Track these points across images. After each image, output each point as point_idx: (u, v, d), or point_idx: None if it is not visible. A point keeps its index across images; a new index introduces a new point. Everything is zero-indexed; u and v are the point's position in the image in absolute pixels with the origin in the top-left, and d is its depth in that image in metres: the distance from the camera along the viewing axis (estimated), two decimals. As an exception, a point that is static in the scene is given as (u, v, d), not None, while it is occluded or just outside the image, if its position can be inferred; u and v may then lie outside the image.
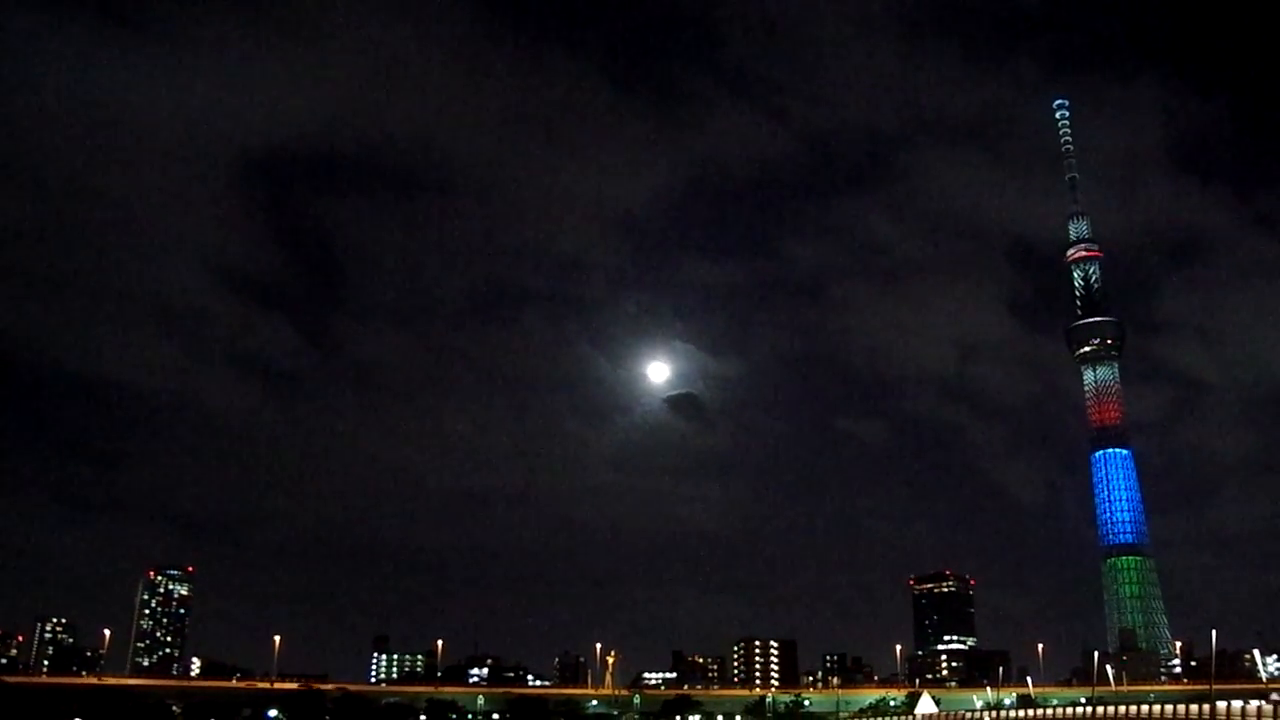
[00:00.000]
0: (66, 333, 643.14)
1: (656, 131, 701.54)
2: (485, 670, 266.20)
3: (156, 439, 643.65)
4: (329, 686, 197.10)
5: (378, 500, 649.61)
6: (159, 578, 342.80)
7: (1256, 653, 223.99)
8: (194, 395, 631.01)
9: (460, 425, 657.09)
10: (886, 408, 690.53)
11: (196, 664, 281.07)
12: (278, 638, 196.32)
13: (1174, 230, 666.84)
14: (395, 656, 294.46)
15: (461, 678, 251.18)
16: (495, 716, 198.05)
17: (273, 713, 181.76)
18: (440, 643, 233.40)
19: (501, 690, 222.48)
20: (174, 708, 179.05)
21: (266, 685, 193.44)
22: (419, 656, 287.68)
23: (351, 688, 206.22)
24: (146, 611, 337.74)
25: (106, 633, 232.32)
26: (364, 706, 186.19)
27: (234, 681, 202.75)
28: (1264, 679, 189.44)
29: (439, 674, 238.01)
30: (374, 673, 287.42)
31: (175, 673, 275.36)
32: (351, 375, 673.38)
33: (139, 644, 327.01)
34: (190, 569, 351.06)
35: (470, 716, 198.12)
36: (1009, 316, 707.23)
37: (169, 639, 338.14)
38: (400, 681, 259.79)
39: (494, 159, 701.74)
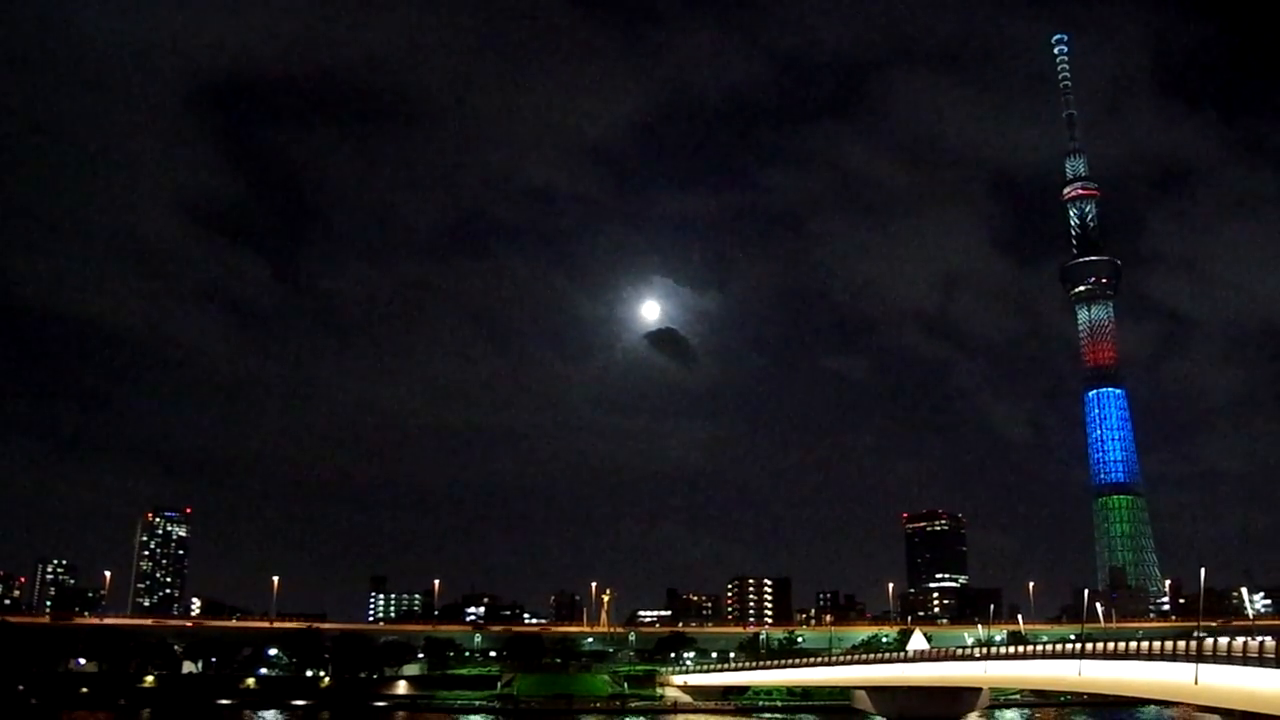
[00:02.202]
0: (30, 268, 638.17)
1: (625, 56, 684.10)
2: (482, 609, 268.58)
3: (137, 378, 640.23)
4: (328, 625, 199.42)
5: (359, 439, 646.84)
6: (157, 519, 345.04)
7: (1244, 590, 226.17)
8: (167, 332, 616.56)
9: (438, 362, 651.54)
10: (870, 344, 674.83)
11: (197, 604, 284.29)
12: (276, 578, 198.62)
13: (1160, 159, 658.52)
14: (393, 596, 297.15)
15: (458, 616, 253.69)
16: (492, 654, 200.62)
17: (273, 651, 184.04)
18: (437, 582, 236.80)
19: (498, 628, 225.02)
20: (175, 647, 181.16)
21: (267, 625, 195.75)
22: (416, 596, 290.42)
23: (350, 627, 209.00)
24: (146, 553, 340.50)
25: (107, 574, 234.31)
26: (363, 645, 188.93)
27: (234, 621, 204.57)
28: (1251, 616, 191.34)
29: (436, 613, 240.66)
30: (371, 612, 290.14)
31: (176, 613, 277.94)
32: (324, 310, 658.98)
33: (139, 585, 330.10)
34: (188, 510, 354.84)
35: (468, 654, 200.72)
36: (992, 249, 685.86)
37: (169, 580, 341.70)
38: (398, 621, 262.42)
39: (458, 86, 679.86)
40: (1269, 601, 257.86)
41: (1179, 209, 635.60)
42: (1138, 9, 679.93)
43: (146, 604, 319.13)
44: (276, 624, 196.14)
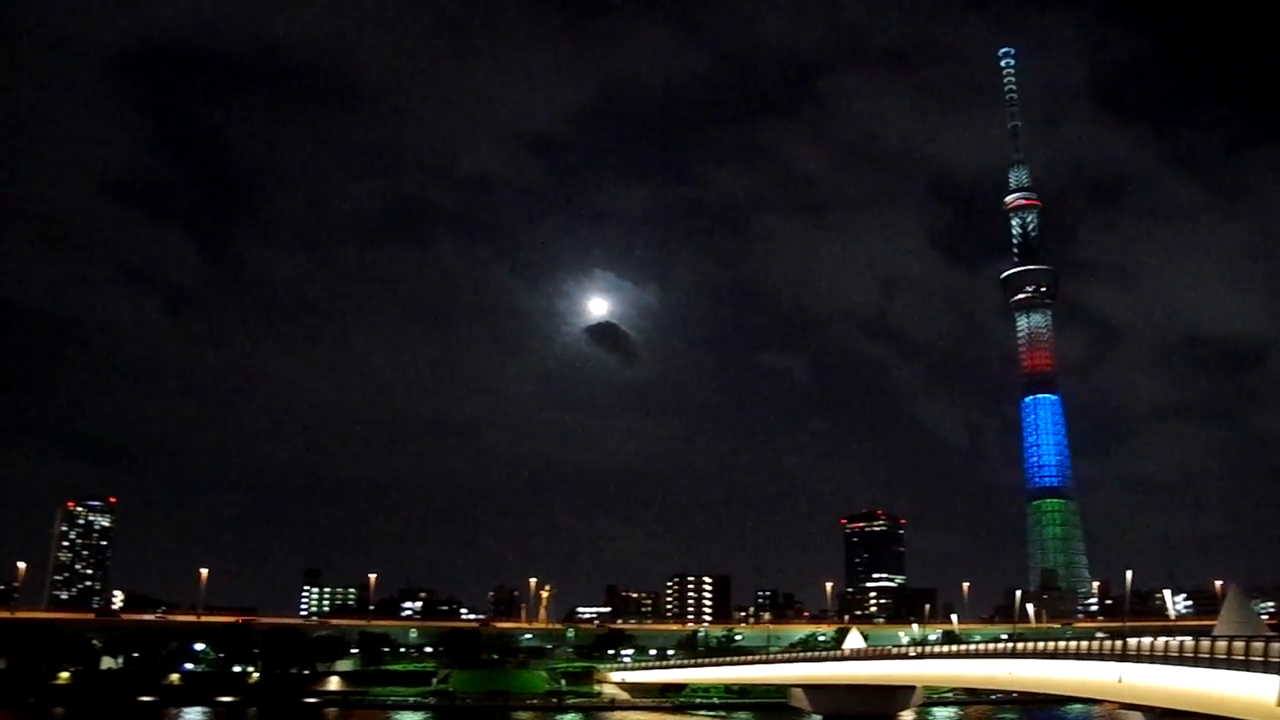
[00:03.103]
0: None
1: (570, 46, 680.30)
2: (419, 604, 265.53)
3: (58, 361, 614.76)
4: (258, 619, 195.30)
5: (293, 429, 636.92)
6: (79, 509, 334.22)
7: (1167, 593, 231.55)
8: (89, 313, 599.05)
9: (374, 352, 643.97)
10: (810, 343, 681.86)
11: (119, 597, 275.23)
12: (204, 570, 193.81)
13: (1094, 170, 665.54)
14: (327, 590, 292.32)
15: (394, 611, 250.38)
16: (429, 650, 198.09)
17: (199, 646, 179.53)
18: (373, 576, 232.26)
19: (435, 623, 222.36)
20: (94, 642, 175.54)
21: (194, 618, 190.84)
22: (351, 590, 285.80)
23: (281, 621, 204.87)
24: (65, 544, 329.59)
25: (21, 565, 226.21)
26: (295, 639, 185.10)
27: (158, 615, 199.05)
28: (1173, 617, 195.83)
29: (371, 607, 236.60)
30: (305, 606, 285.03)
31: (96, 606, 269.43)
32: (256, 295, 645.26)
33: (57, 577, 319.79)
34: (112, 500, 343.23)
35: (403, 649, 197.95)
36: (931, 252, 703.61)
37: (90, 572, 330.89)
38: (332, 615, 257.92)
39: (399, 69, 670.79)
40: (1190, 603, 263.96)
41: (1112, 219, 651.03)
42: (1076, 21, 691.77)
43: (64, 597, 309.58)
44: (204, 618, 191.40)
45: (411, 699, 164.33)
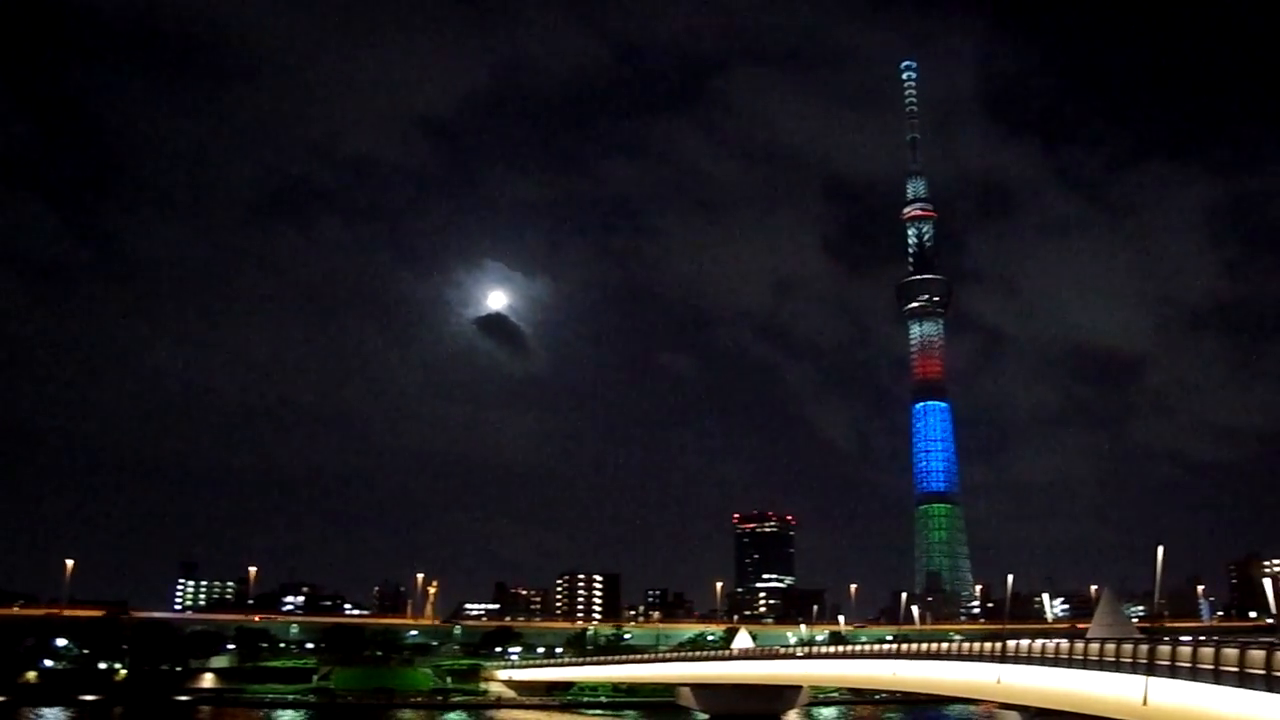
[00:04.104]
0: None
1: (464, 27, 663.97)
2: (301, 598, 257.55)
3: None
4: (128, 613, 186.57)
5: (166, 413, 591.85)
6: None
7: (1045, 596, 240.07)
8: None
9: (253, 334, 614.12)
10: (702, 342, 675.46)
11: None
12: (70, 561, 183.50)
13: (985, 180, 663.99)
14: (203, 583, 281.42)
15: (275, 606, 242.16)
16: (310, 646, 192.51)
17: (61, 641, 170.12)
18: (253, 569, 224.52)
19: (317, 619, 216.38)
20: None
21: (56, 612, 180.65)
22: (229, 584, 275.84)
23: (153, 615, 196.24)
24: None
25: None
26: (167, 635, 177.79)
27: (16, 609, 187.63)
28: (1050, 620, 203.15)
29: (250, 601, 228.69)
30: (179, 600, 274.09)
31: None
32: (127, 271, 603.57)
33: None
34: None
35: (283, 645, 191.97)
36: (824, 254, 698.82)
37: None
38: (208, 609, 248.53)
39: (282, 42, 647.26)
40: (1067, 606, 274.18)
41: (1001, 230, 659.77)
42: (970, 31, 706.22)
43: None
44: (67, 611, 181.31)
45: (290, 697, 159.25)
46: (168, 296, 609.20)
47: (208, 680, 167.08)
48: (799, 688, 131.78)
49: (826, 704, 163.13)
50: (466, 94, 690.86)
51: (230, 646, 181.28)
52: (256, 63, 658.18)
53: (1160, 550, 65.48)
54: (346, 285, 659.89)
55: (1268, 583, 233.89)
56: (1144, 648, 55.29)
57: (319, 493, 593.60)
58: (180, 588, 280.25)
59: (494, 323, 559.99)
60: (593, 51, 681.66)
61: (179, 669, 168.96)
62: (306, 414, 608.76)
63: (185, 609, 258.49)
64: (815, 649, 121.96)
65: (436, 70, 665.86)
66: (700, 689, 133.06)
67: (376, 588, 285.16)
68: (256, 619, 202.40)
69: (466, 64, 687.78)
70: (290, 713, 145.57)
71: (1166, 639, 57.90)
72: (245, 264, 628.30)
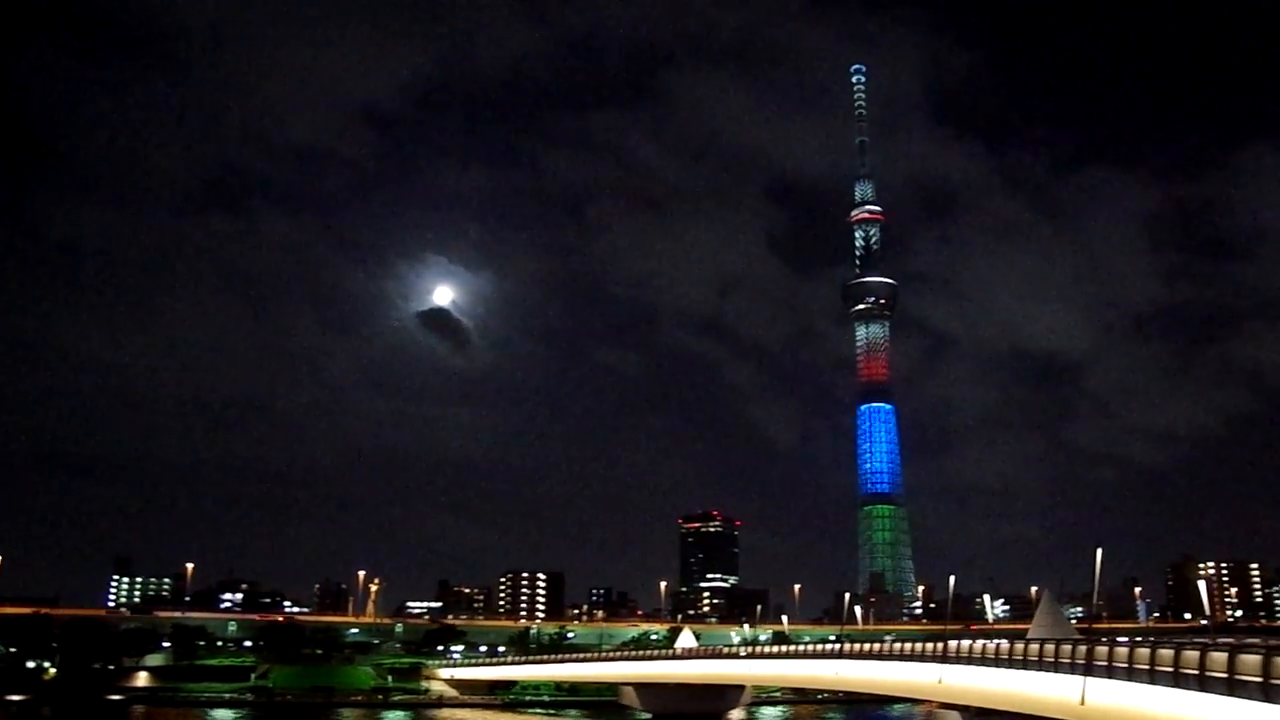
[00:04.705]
0: None
1: (407, 16, 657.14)
2: (239, 595, 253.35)
3: None
4: (59, 611, 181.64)
5: (98, 405, 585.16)
6: None
7: (986, 597, 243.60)
8: None
9: (188, 325, 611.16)
10: (645, 339, 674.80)
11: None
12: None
13: (930, 182, 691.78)
14: (138, 580, 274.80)
15: (212, 603, 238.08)
16: (249, 644, 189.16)
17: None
18: (190, 566, 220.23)
19: (255, 616, 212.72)
20: None
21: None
22: (165, 580, 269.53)
23: (84, 613, 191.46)
24: None
25: None
26: (99, 633, 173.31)
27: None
28: (991, 621, 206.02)
29: (187, 598, 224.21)
30: (113, 597, 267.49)
31: None
32: (55, 258, 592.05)
33: None
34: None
35: (220, 643, 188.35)
36: (769, 254, 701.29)
37: None
38: (143, 606, 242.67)
39: (220, 27, 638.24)
40: (1008, 608, 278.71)
41: (945, 232, 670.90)
42: (916, 32, 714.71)
43: None
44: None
45: (227, 695, 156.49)
46: (99, 285, 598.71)
47: (141, 679, 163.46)
48: (742, 687, 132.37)
49: (769, 704, 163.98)
50: (408, 83, 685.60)
51: (165, 645, 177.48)
52: (192, 46, 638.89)
53: (1099, 552, 66.56)
54: (285, 277, 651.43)
55: (1202, 585, 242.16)
56: (1082, 648, 56.15)
57: (258, 488, 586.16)
58: (114, 584, 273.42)
59: (436, 317, 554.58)
60: (538, 42, 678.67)
61: (111, 667, 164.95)
62: (245, 407, 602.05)
63: (119, 606, 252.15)
64: (758, 649, 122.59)
65: (378, 59, 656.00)
66: (643, 688, 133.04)
67: (317, 585, 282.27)
68: (193, 616, 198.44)
69: (409, 53, 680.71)
70: (227, 712, 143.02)
71: (1104, 640, 58.85)
72: (180, 253, 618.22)
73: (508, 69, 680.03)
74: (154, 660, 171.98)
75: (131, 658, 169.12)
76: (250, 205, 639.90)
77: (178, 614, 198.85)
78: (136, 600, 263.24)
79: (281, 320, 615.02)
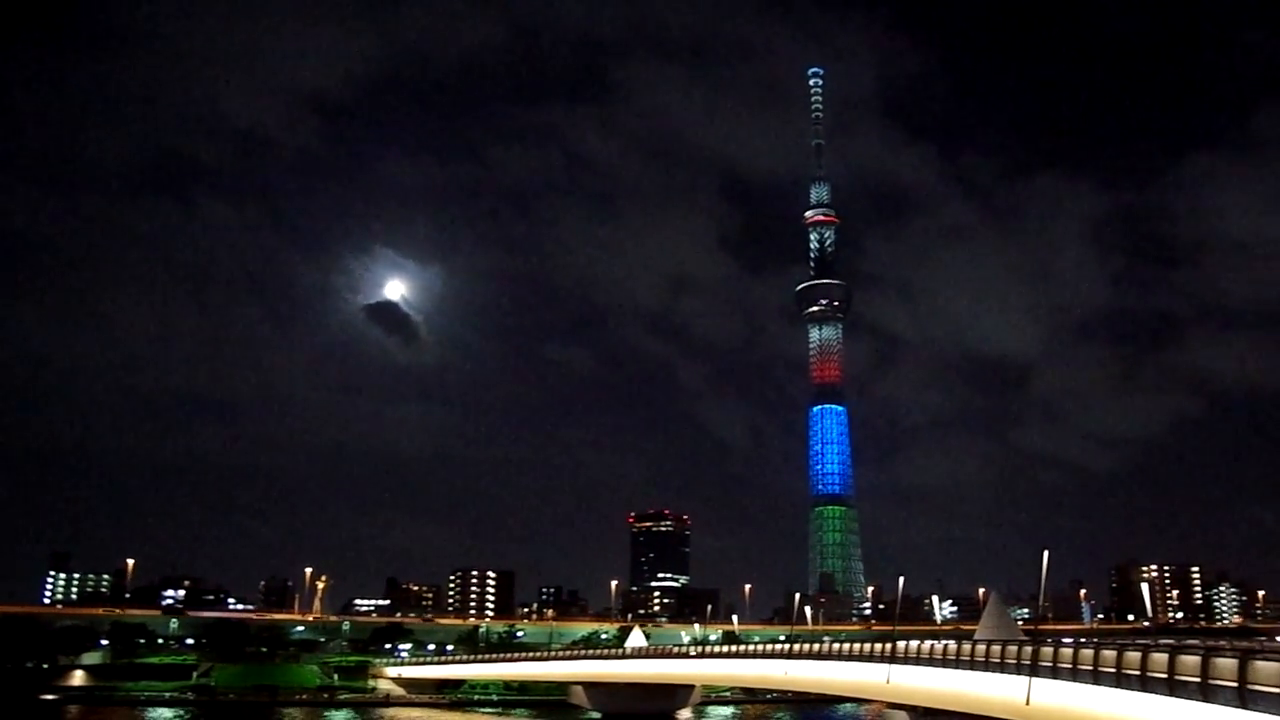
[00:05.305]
0: None
1: (357, 4, 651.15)
2: (182, 592, 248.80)
3: None
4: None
5: (34, 396, 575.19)
6: None
7: (935, 598, 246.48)
8: None
9: (127, 314, 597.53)
10: (596, 337, 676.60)
11: None
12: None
13: (883, 184, 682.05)
14: (76, 576, 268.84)
15: (153, 600, 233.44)
16: (191, 642, 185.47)
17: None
18: (130, 562, 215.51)
19: (198, 614, 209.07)
20: None
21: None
22: (104, 576, 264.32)
23: (17, 609, 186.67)
24: None
25: None
26: (33, 630, 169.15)
27: None
28: (939, 621, 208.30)
29: (127, 595, 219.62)
30: (49, 593, 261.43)
31: None
32: None
33: None
34: None
35: (161, 641, 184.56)
36: (720, 253, 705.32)
37: None
38: (81, 603, 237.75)
39: (162, 7, 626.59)
40: (956, 609, 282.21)
41: (896, 235, 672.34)
42: (869, 32, 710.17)
43: None
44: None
45: (167, 694, 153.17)
46: (34, 273, 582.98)
47: (78, 678, 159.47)
48: (691, 687, 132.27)
49: (719, 703, 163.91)
50: (358, 72, 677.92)
51: (104, 643, 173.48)
52: (131, 27, 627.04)
53: (1045, 555, 67.08)
54: (229, 267, 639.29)
55: (1145, 587, 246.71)
56: (1028, 649, 56.47)
57: (201, 483, 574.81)
58: (50, 580, 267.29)
59: (384, 311, 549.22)
60: (489, 33, 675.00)
61: (46, 666, 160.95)
62: (187, 400, 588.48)
63: (55, 602, 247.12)
64: (708, 648, 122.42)
65: (327, 46, 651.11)
66: (593, 688, 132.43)
67: (263, 582, 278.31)
68: (133, 613, 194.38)
69: (358, 41, 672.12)
70: (166, 711, 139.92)
71: (1049, 641, 59.36)
72: (120, 241, 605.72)
73: (459, 60, 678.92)
74: (91, 659, 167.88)
75: (68, 656, 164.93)
76: (193, 192, 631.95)
77: (117, 611, 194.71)
78: (74, 597, 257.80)
79: (225, 311, 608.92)
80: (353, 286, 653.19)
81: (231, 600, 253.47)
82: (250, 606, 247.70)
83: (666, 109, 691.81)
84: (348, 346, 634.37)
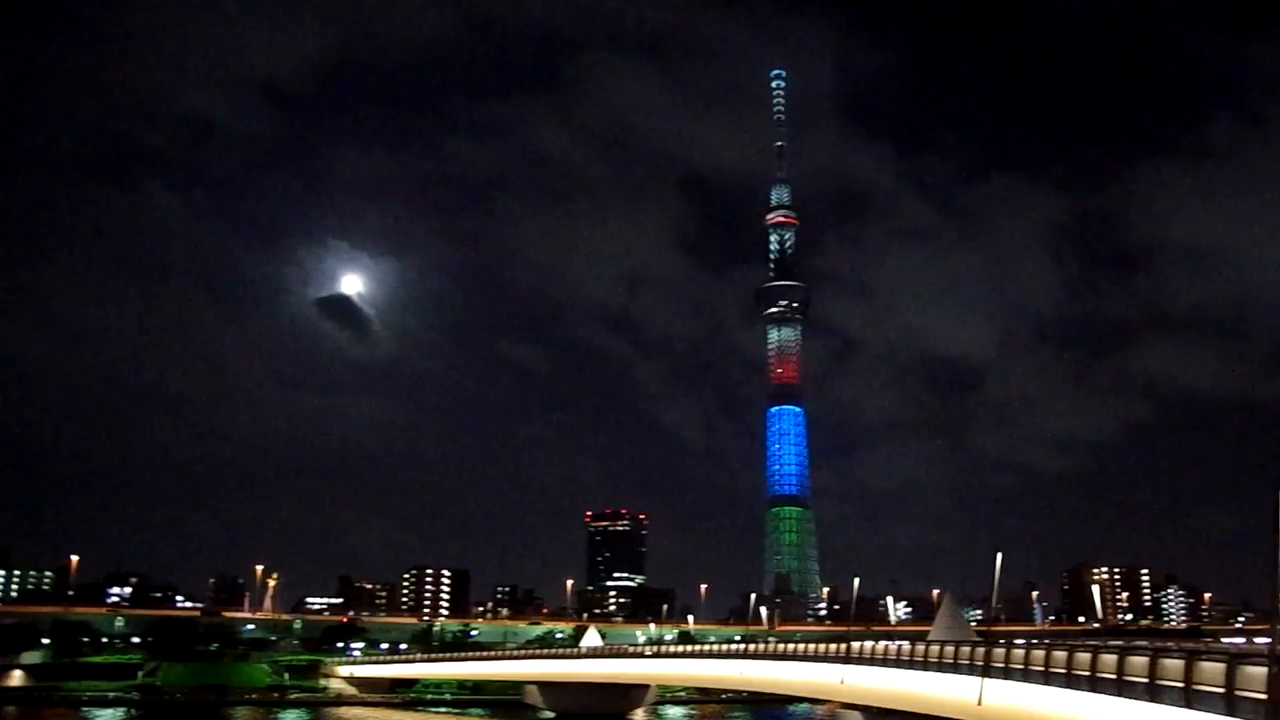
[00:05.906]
0: None
1: None
2: (128, 590, 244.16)
3: None
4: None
5: None
6: None
7: (889, 599, 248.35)
8: None
9: (72, 304, 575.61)
10: (551, 334, 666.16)
11: None
12: None
13: (841, 183, 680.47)
14: (16, 573, 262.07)
15: (98, 598, 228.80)
16: (137, 640, 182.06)
17: None
18: (74, 558, 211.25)
19: (145, 612, 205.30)
20: None
21: None
22: (46, 573, 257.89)
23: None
24: None
25: None
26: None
27: None
28: (893, 622, 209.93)
29: (71, 593, 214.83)
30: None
31: None
32: None
33: None
34: None
35: (106, 640, 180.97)
36: (678, 251, 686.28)
37: None
38: (21, 601, 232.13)
39: None
40: (910, 610, 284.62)
41: (856, 235, 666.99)
42: (828, 30, 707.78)
43: None
44: None
45: (112, 694, 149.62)
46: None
47: (16, 678, 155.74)
48: (647, 687, 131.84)
49: (674, 703, 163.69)
50: (311, 60, 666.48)
51: (46, 641, 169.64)
52: (78, 7, 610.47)
53: (999, 557, 67.38)
54: (177, 257, 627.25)
55: (1096, 589, 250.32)
56: (980, 650, 56.68)
57: (148, 478, 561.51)
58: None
59: (336, 304, 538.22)
60: (445, 23, 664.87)
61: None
62: (133, 393, 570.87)
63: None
64: (664, 648, 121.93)
65: (280, 33, 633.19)
66: (548, 687, 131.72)
67: (212, 579, 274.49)
68: (76, 611, 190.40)
69: (311, 27, 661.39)
70: (110, 711, 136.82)
71: (1002, 642, 59.58)
72: (62, 227, 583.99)
73: (415, 51, 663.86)
74: (31, 658, 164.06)
75: (7, 656, 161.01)
76: (139, 179, 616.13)
77: (59, 609, 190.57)
78: (14, 595, 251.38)
79: (172, 302, 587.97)
80: (304, 279, 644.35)
81: (180, 598, 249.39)
82: (199, 604, 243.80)
83: (625, 105, 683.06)
84: (299, 340, 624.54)
